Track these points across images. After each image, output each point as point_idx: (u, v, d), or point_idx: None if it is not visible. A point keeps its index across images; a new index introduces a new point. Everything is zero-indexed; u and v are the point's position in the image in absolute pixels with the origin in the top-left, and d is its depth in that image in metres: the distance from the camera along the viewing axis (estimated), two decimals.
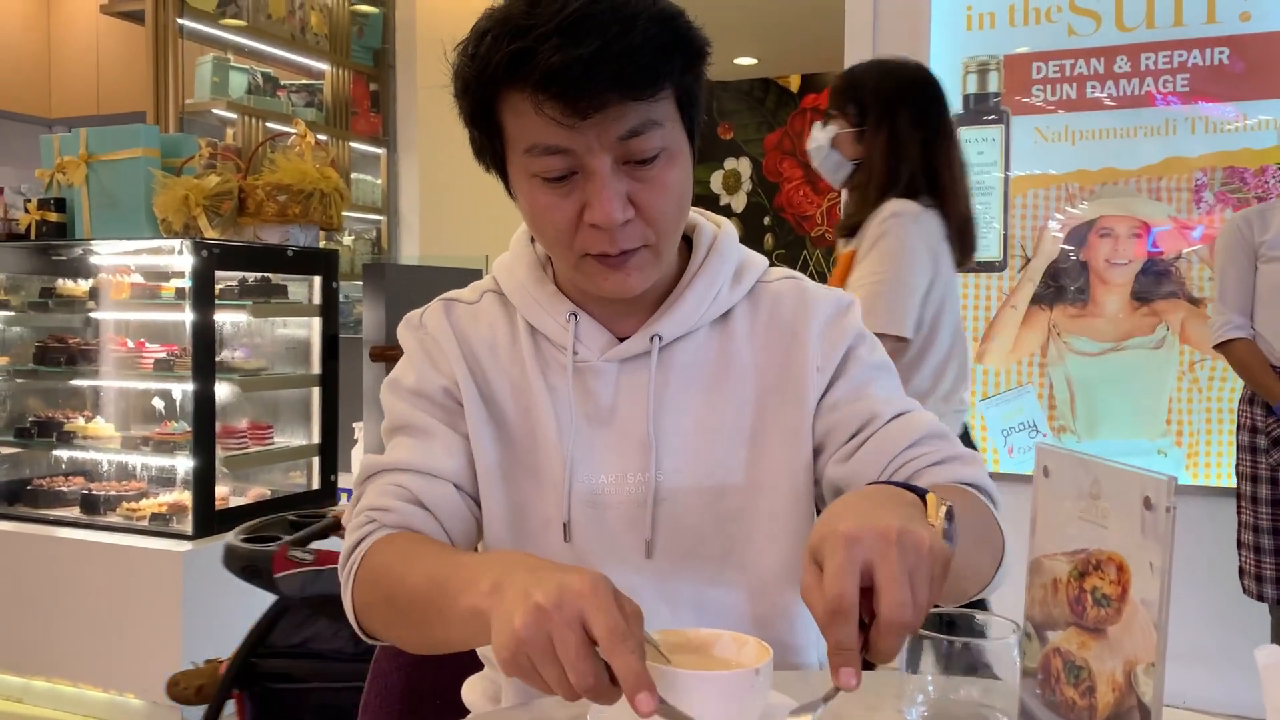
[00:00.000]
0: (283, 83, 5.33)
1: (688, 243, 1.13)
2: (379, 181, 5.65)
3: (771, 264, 1.17)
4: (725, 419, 1.09)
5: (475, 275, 1.20)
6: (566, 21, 0.91)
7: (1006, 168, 3.48)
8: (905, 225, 2.20)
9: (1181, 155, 3.31)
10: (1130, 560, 0.69)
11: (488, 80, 0.96)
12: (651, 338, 1.08)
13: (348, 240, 5.37)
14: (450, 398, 1.11)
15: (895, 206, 2.22)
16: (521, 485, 1.10)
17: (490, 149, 1.03)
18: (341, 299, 3.78)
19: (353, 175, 5.32)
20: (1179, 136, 3.31)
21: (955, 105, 3.52)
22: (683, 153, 1.01)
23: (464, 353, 1.11)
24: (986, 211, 3.49)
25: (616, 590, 0.74)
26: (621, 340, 1.10)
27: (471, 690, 1.13)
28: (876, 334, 1.17)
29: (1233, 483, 3.24)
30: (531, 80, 0.92)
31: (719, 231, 1.14)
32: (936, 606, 0.88)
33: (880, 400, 1.07)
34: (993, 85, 3.52)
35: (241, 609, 3.18)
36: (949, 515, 0.78)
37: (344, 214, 3.65)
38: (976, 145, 3.51)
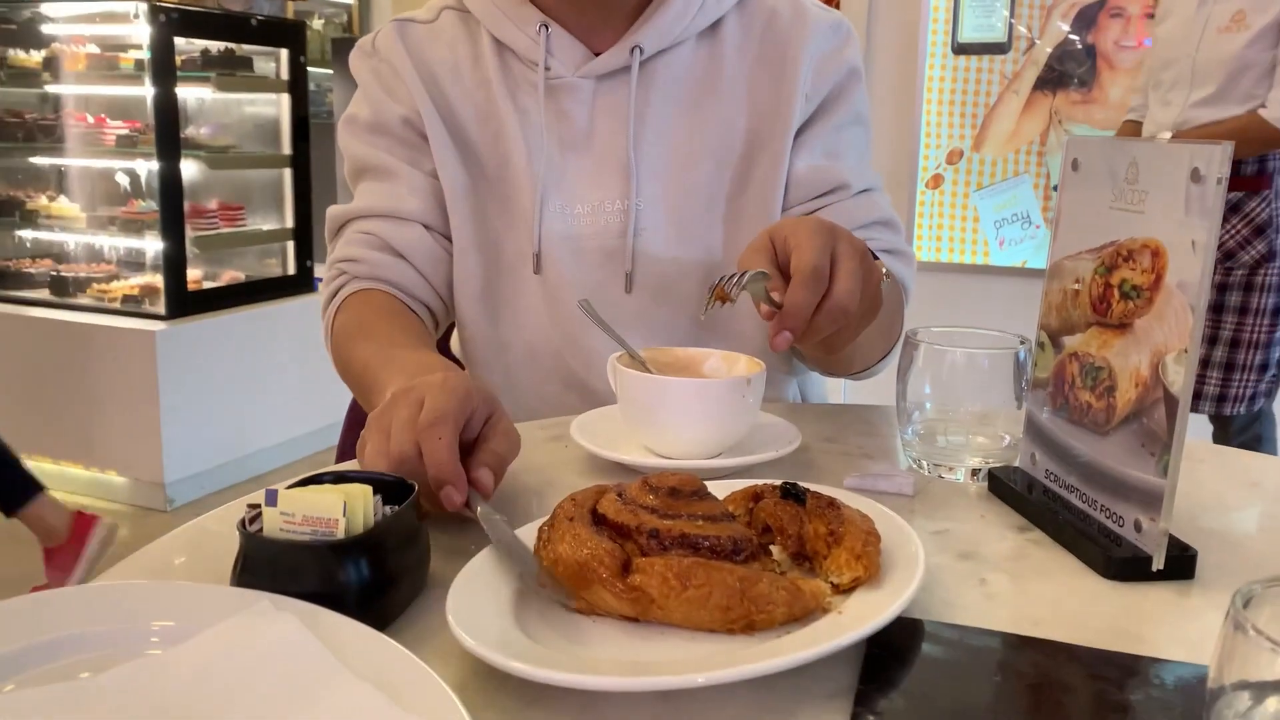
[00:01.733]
0: None
1: None
2: None
3: None
4: (711, 141, 1.00)
5: None
6: None
7: None
8: None
9: None
10: (1169, 243, 0.62)
11: None
12: (632, 49, 0.99)
13: (316, 24, 5.10)
14: (411, 129, 1.02)
15: None
16: (491, 216, 1.02)
17: None
18: (312, 87, 3.59)
19: None
20: None
21: None
22: None
23: (422, 76, 1.02)
24: None
25: (481, 391, 0.67)
26: (598, 55, 1.00)
27: None
28: None
29: None
30: None
31: None
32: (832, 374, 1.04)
33: (851, 170, 1.02)
34: None
35: (220, 388, 3.16)
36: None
37: None
38: None
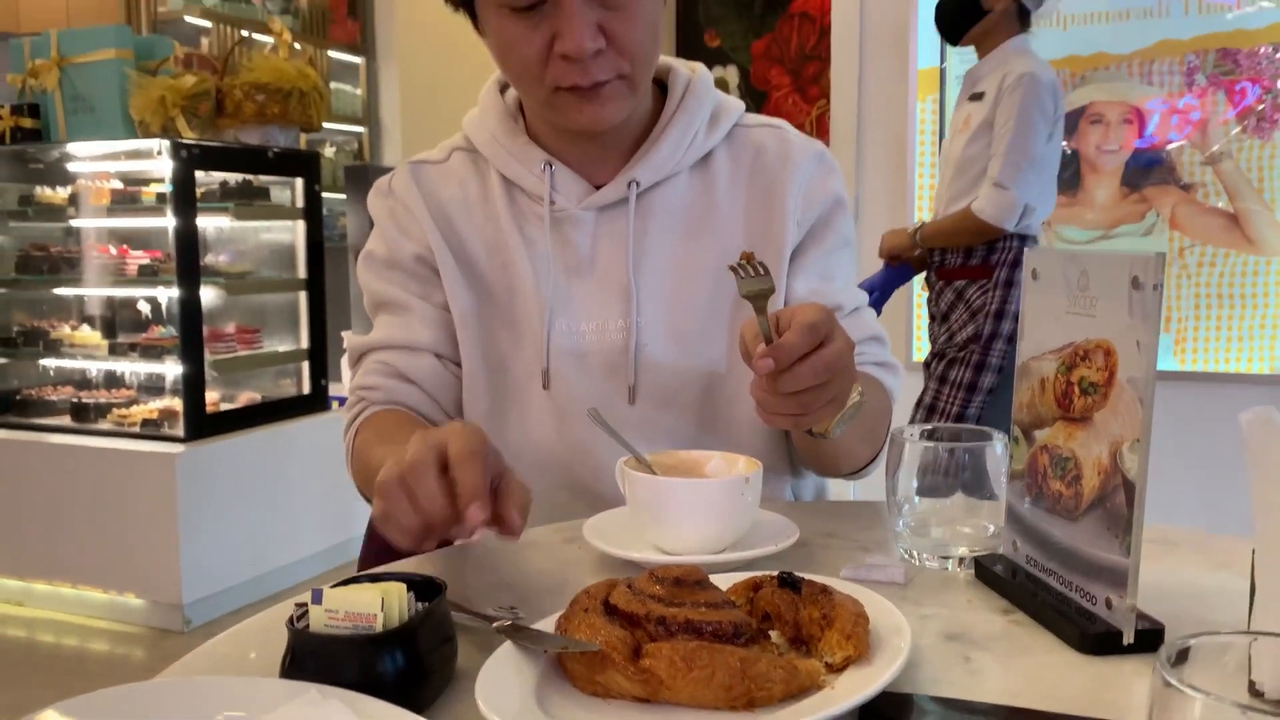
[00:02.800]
0: None
1: (662, 88, 1.11)
2: (358, 91, 5.54)
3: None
4: (707, 264, 1.08)
5: None
6: None
7: None
8: None
9: (1174, 37, 3.26)
10: (1118, 343, 0.68)
11: None
12: (629, 183, 1.07)
13: (328, 152, 5.30)
14: (423, 264, 1.10)
15: None
16: (499, 338, 1.09)
17: None
18: (325, 212, 3.73)
19: (331, 85, 5.23)
20: (1171, 18, 3.26)
21: None
22: None
23: (434, 214, 1.10)
24: None
25: (489, 441, 0.72)
26: (599, 188, 1.08)
27: None
28: None
29: (1223, 367, 3.26)
30: None
31: (693, 75, 1.12)
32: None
33: (843, 292, 1.10)
34: None
35: (238, 508, 3.21)
36: (854, 411, 0.86)
37: (324, 125, 3.59)
38: None
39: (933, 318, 2.83)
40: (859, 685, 0.57)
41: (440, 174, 1.13)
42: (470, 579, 0.84)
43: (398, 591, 0.58)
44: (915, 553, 0.86)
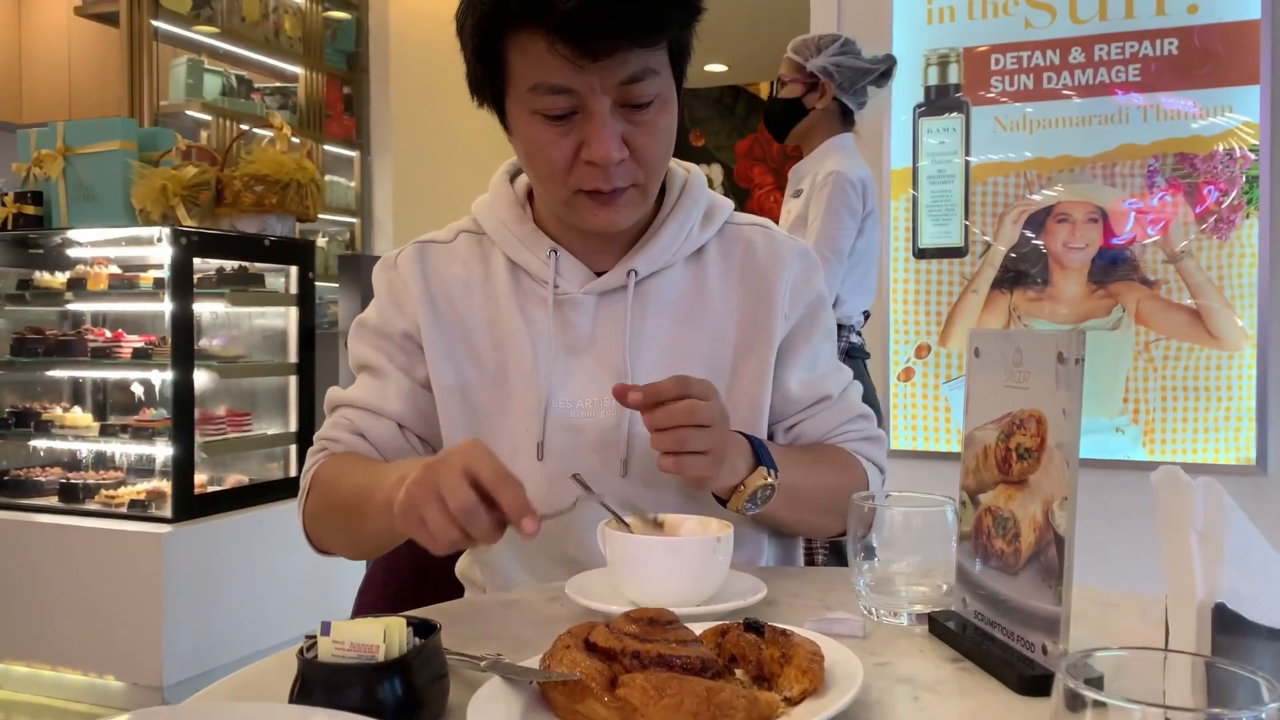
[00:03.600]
0: (256, 85, 5.38)
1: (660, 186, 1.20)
2: (352, 184, 5.70)
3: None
4: (697, 349, 1.16)
5: None
6: None
7: (967, 155, 3.59)
8: None
9: (1134, 142, 3.42)
10: (1048, 411, 0.76)
11: (499, 18, 1.01)
12: (628, 272, 1.15)
13: (321, 241, 5.42)
14: (410, 341, 1.18)
15: None
16: (489, 411, 1.16)
17: (490, 85, 1.08)
18: (316, 299, 3.82)
19: (326, 177, 5.37)
20: (1132, 124, 3.42)
21: (917, 96, 3.65)
22: (673, 100, 1.08)
23: (433, 293, 1.18)
24: (948, 199, 3.59)
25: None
26: (600, 274, 1.16)
27: (463, 565, 1.25)
28: None
29: (1191, 458, 3.35)
30: (547, 22, 0.96)
31: (689, 176, 1.21)
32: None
33: (831, 380, 1.22)
34: (953, 77, 3.62)
35: (222, 590, 3.22)
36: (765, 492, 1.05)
37: (318, 215, 3.71)
38: (937, 135, 3.61)
39: None
40: (812, 713, 0.63)
41: (445, 254, 1.21)
42: (459, 632, 0.89)
43: (398, 626, 0.64)
44: (874, 609, 0.92)
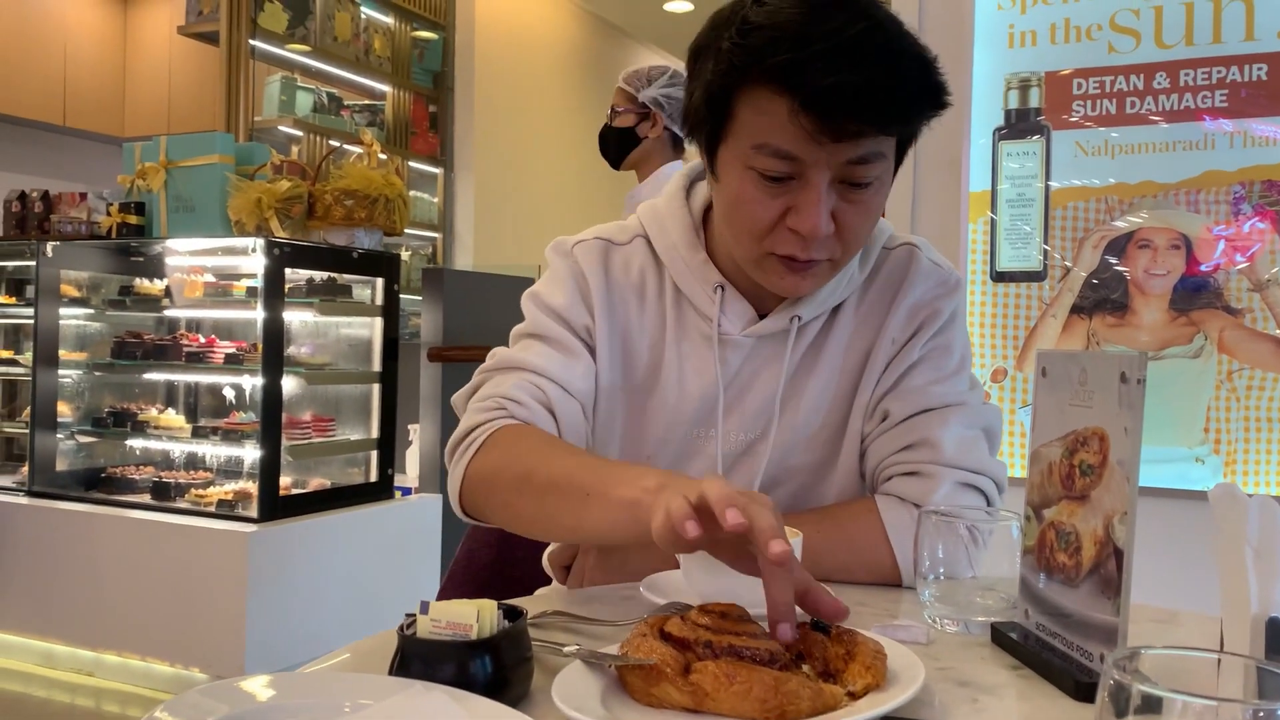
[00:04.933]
0: (346, 102, 5.56)
1: None
2: (435, 200, 5.85)
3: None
4: (836, 389, 1.17)
5: (528, 282, 1.28)
6: (845, 43, 0.93)
7: (1047, 179, 3.57)
8: None
9: (1220, 168, 3.38)
10: (1110, 429, 0.79)
11: (745, 70, 0.97)
12: (791, 318, 1.14)
13: (405, 255, 5.57)
14: (590, 335, 1.16)
15: None
16: (635, 419, 1.17)
17: (710, 126, 1.04)
18: (399, 311, 3.94)
19: (411, 193, 5.52)
20: (1217, 150, 3.38)
21: (997, 119, 3.65)
22: (889, 182, 1.06)
23: (611, 295, 1.17)
24: (1027, 223, 3.58)
25: None
26: (762, 316, 1.16)
27: (550, 558, 1.23)
28: None
29: (1274, 490, 3.28)
30: (797, 91, 0.94)
31: None
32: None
33: (902, 402, 1.14)
34: (1034, 101, 3.61)
35: (303, 589, 3.33)
36: None
37: (404, 227, 3.83)
38: (1017, 158, 3.61)
39: None
40: (874, 705, 0.67)
41: (624, 258, 1.19)
42: (538, 624, 0.95)
43: (490, 607, 0.70)
44: (938, 619, 0.95)
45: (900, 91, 0.96)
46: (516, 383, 1.10)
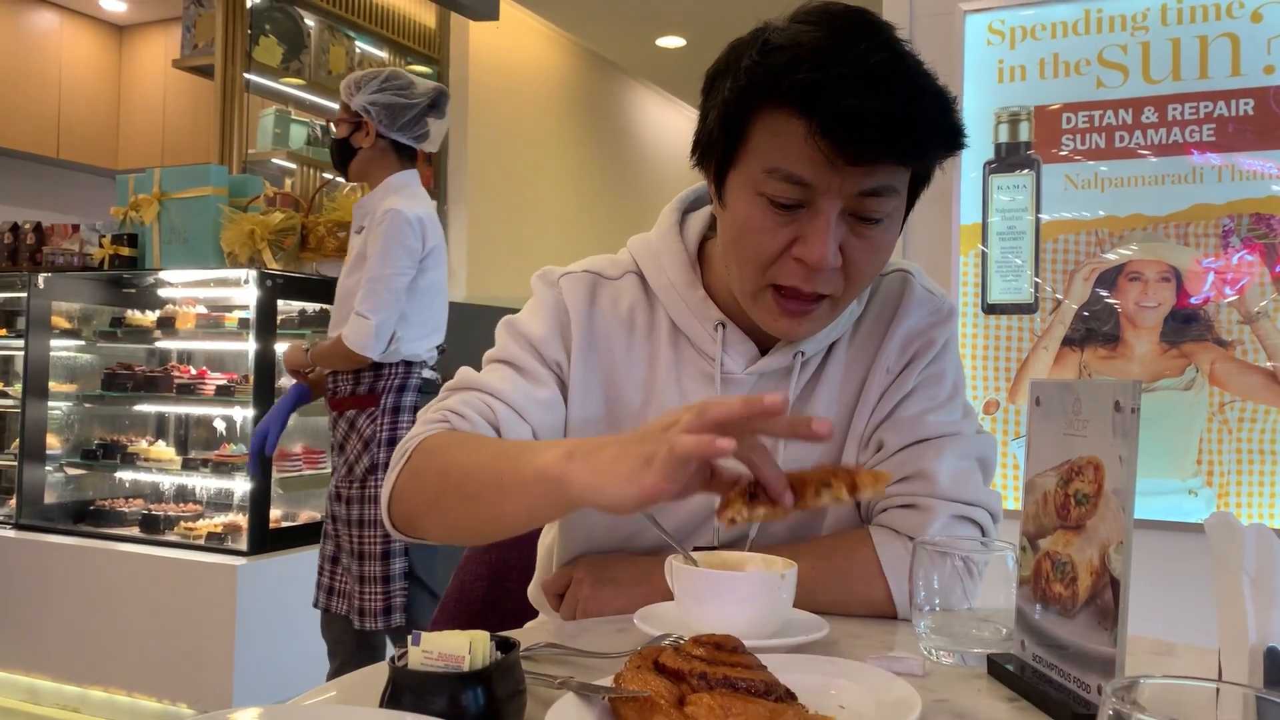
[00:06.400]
0: None
1: None
2: None
3: None
4: (833, 420, 1.15)
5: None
6: (867, 70, 0.92)
7: (1037, 213, 3.59)
8: None
9: (1209, 202, 3.40)
10: (1104, 458, 0.79)
11: (762, 91, 0.96)
12: (795, 355, 1.13)
13: None
14: (561, 370, 1.13)
15: None
16: None
17: (722, 149, 1.02)
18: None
19: None
20: (1206, 184, 3.41)
21: (987, 153, 3.67)
22: (899, 221, 1.04)
23: (593, 331, 1.14)
24: (1018, 255, 3.60)
25: None
26: (764, 352, 1.14)
27: (545, 586, 1.19)
28: None
29: (1268, 522, 3.28)
30: (815, 113, 0.92)
31: None
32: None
33: (897, 432, 1.13)
34: (1024, 135, 3.64)
35: (292, 623, 3.30)
36: None
37: None
38: (1008, 191, 3.63)
39: (331, 448, 2.82)
40: None
41: (613, 293, 1.16)
42: (531, 656, 0.94)
43: (483, 638, 0.69)
44: (934, 650, 0.94)
45: (919, 123, 0.95)
46: (465, 399, 1.08)
